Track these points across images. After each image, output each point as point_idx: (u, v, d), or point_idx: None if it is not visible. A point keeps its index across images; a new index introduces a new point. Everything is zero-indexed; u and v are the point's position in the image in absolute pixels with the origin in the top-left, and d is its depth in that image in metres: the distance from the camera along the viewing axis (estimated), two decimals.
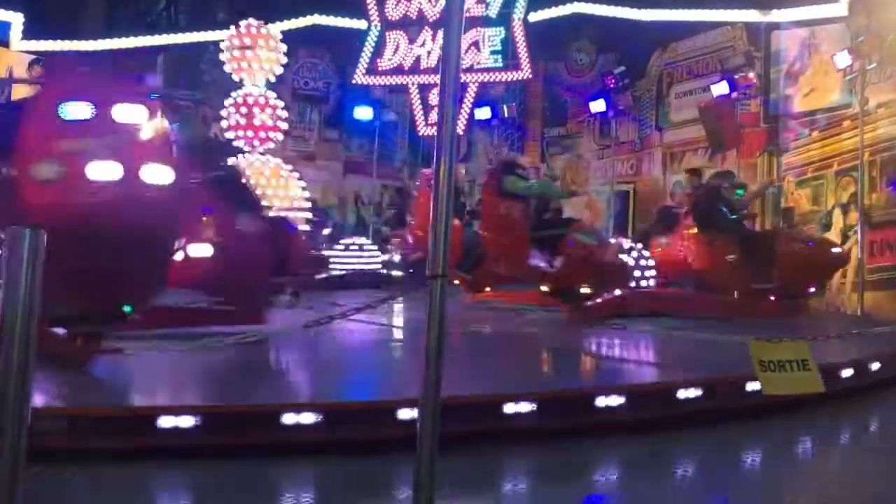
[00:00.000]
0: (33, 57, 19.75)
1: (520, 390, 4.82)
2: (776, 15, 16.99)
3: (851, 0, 15.20)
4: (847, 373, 6.00)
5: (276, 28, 13.58)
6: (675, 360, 6.94)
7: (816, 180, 15.68)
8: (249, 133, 12.66)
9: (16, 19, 19.39)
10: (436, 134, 3.46)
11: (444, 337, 3.31)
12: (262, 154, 12.93)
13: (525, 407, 4.63)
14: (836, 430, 5.37)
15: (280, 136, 13.43)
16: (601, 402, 4.82)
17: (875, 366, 6.35)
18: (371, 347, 7.74)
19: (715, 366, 6.01)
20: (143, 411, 4.26)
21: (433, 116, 19.15)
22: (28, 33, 19.51)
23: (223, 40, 12.65)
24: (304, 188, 13.23)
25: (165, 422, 4.03)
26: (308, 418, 4.24)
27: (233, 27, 12.52)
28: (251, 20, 12.44)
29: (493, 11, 18.87)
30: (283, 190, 12.63)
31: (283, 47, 12.67)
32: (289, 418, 4.23)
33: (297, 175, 13.28)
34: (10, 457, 2.08)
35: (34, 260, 2.09)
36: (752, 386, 4.89)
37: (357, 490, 3.91)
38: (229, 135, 12.99)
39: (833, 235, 15.02)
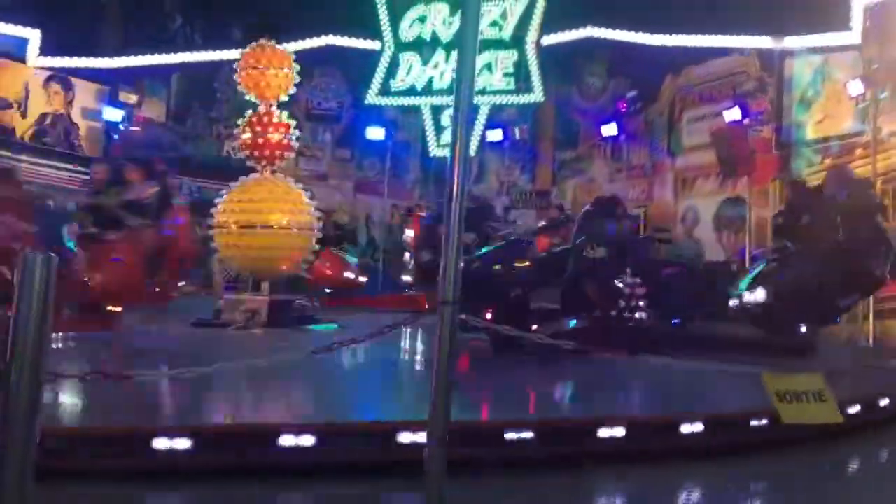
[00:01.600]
0: (50, 73, 19.96)
1: None
2: (789, 42, 17.02)
3: (865, 28, 15.22)
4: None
5: (291, 48, 13.66)
6: None
7: None
8: (261, 152, 12.69)
9: (33, 36, 19.57)
10: (448, 156, 3.47)
11: (454, 361, 3.31)
12: (272, 174, 12.96)
13: None
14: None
15: (292, 156, 13.45)
16: None
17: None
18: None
19: None
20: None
21: (445, 137, 19.23)
22: (45, 50, 19.69)
23: (238, 59, 12.71)
24: (316, 208, 13.25)
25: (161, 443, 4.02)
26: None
27: (248, 46, 12.57)
28: (265, 40, 12.49)
29: (506, 34, 18.95)
30: (290, 206, 12.64)
31: (297, 67, 12.73)
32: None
33: (308, 194, 13.30)
34: (17, 474, 2.07)
35: (46, 285, 2.09)
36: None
37: None
38: (242, 153, 13.04)
39: None
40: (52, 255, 2.13)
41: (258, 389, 5.90)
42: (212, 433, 4.30)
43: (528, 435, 4.55)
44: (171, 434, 4.03)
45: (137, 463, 3.97)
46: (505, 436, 4.54)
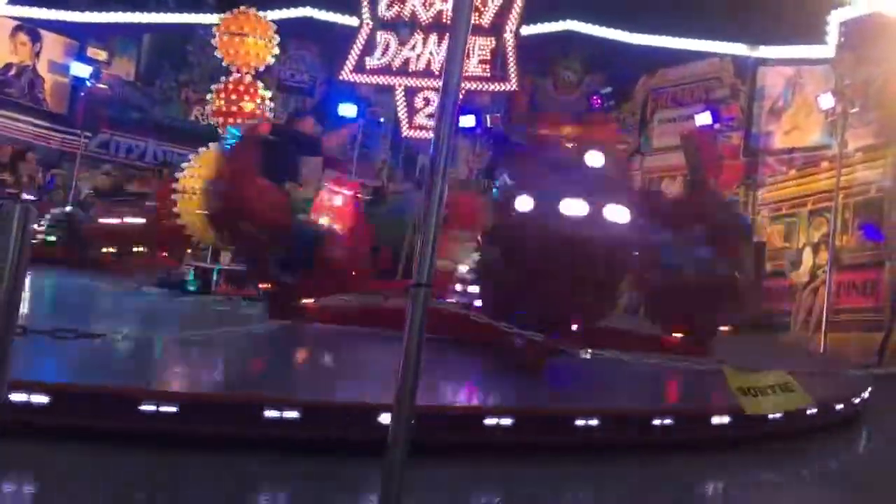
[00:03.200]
0: (17, 23, 19.47)
1: None
2: (764, 51, 17.22)
3: (839, 43, 15.43)
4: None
5: (268, 17, 13.51)
6: None
7: (790, 217, 15.87)
8: (233, 120, 12.54)
9: None
10: (427, 137, 3.45)
11: (423, 345, 3.28)
12: None
13: None
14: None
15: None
16: None
17: None
18: None
19: None
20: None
21: (417, 119, 19.13)
22: None
23: (216, 24, 12.54)
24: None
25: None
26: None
27: (229, 12, 12.42)
28: (247, 7, 12.35)
29: (485, 21, 18.86)
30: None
31: (276, 38, 12.60)
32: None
33: None
34: None
35: (23, 236, 2.03)
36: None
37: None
38: (213, 120, 12.87)
39: (802, 274, 15.22)
40: (31, 204, 2.07)
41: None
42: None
43: None
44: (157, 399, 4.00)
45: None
46: None
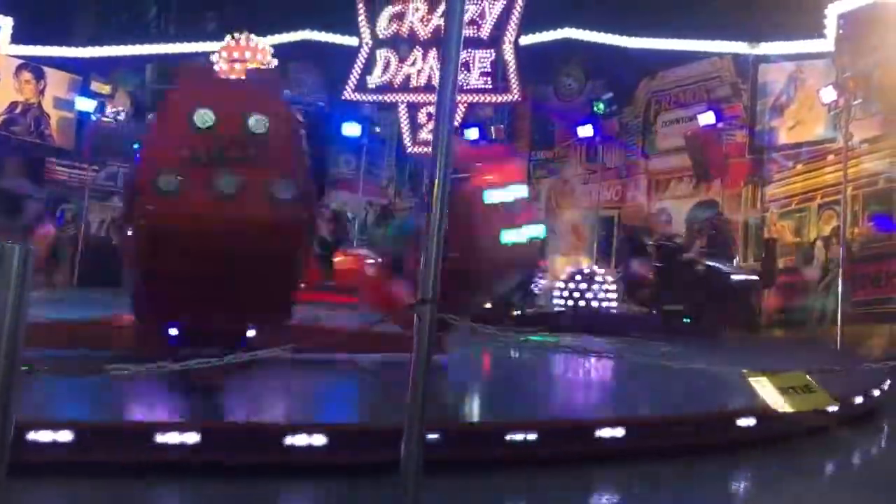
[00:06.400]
0: (21, 61, 19.65)
1: None
2: (764, 48, 17.18)
3: (838, 36, 15.39)
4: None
5: (267, 41, 13.59)
6: None
7: (800, 212, 15.83)
8: None
9: (5, 23, 19.25)
10: (431, 153, 3.48)
11: (430, 363, 3.28)
12: None
13: None
14: None
15: None
16: None
17: None
18: None
19: None
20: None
21: (421, 135, 19.18)
22: (17, 37, 19.37)
23: (214, 52, 12.64)
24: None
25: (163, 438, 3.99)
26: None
27: (226, 39, 12.52)
28: (245, 33, 12.46)
29: (484, 33, 18.93)
30: None
31: (275, 62, 12.70)
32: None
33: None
34: None
35: (23, 277, 2.04)
36: None
37: None
38: None
39: (815, 268, 15.15)
40: (29, 245, 2.08)
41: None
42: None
43: None
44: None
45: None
46: None
